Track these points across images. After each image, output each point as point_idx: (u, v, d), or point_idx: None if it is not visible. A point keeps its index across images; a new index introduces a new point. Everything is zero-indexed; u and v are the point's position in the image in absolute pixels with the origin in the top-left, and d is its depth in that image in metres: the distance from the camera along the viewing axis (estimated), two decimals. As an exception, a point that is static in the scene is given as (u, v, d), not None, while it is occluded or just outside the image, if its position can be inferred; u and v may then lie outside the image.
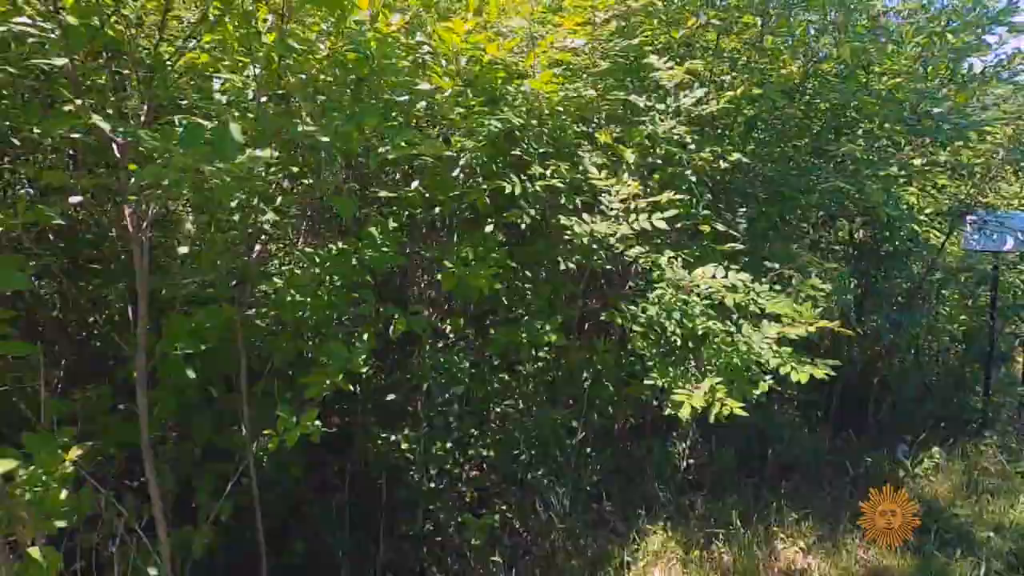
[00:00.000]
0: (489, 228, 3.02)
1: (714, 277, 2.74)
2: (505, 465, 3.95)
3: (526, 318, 3.21)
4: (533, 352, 3.35)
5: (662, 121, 2.79)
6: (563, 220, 2.61)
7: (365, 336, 2.56)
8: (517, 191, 2.67)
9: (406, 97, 2.44)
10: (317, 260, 2.58)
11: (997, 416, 5.95)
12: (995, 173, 5.14)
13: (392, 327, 2.60)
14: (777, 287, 3.36)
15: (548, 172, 2.71)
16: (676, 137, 2.89)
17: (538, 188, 2.72)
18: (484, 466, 4.07)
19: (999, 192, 5.45)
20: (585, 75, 3.16)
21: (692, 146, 3.13)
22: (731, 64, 3.14)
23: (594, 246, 2.74)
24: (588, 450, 3.88)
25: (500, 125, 2.63)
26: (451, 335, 3.39)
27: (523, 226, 2.83)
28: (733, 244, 3.14)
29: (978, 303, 6.89)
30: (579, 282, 3.48)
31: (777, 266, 3.31)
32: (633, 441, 4.66)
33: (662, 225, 2.56)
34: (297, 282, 2.52)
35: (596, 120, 3.33)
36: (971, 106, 4.60)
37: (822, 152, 3.40)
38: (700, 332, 2.68)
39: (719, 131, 3.48)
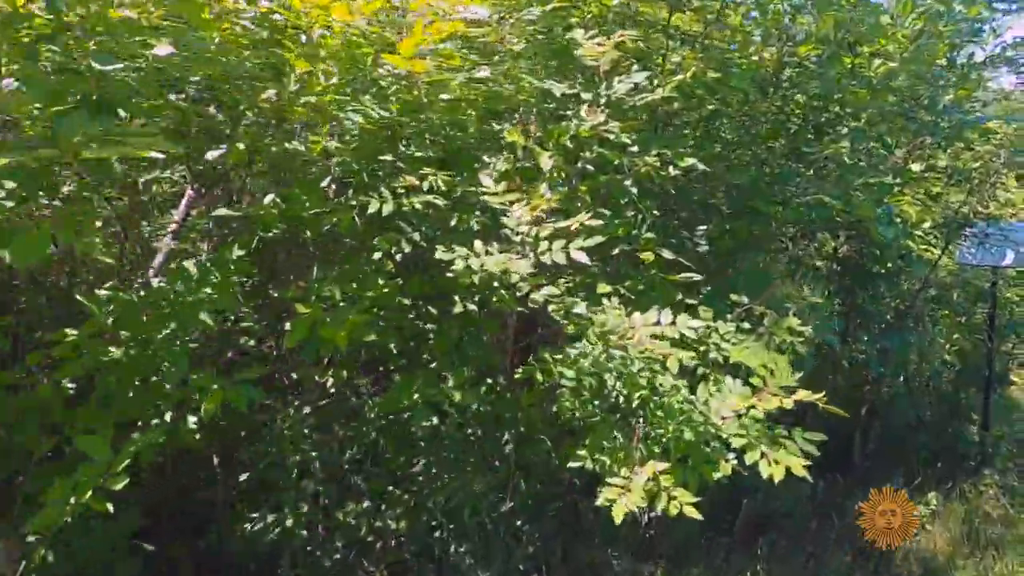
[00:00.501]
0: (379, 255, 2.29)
1: (657, 323, 2.03)
2: (419, 539, 3.21)
3: (424, 370, 2.48)
4: (449, 407, 2.62)
5: (591, 115, 2.07)
6: (440, 252, 1.88)
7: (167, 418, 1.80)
8: (387, 209, 1.94)
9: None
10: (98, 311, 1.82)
11: (997, 450, 5.32)
12: (994, 179, 4.52)
13: (203, 405, 1.85)
14: (746, 325, 2.66)
15: (426, 184, 1.98)
16: (611, 136, 2.18)
17: (417, 205, 1.99)
18: (397, 541, 3.34)
19: (998, 200, 4.83)
20: (497, 56, 2.45)
21: (635, 148, 2.43)
22: (685, 44, 2.44)
23: (496, 284, 2.02)
24: (519, 522, 3.16)
25: (361, 119, 1.90)
26: (332, 390, 2.64)
27: (399, 256, 2.10)
28: (689, 274, 2.44)
29: (973, 321, 6.29)
30: (505, 323, 2.76)
31: (746, 300, 2.61)
32: (583, 497, 3.95)
33: (581, 258, 1.84)
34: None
35: (518, 116, 2.61)
36: (970, 102, 3.97)
37: (800, 155, 2.72)
38: (636, 400, 1.97)
39: (674, 129, 2.77)
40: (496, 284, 1.98)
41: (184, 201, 2.26)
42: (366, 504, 3.14)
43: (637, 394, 1.95)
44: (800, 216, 2.39)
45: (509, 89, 2.30)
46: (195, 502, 2.69)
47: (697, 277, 2.41)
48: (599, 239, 1.90)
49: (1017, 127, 4.37)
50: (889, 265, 3.32)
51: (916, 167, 2.97)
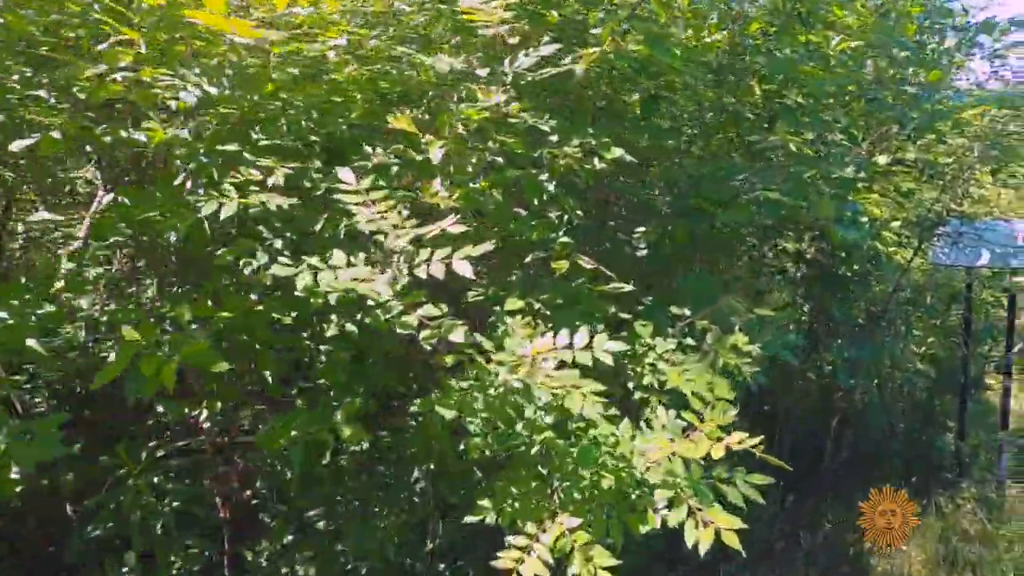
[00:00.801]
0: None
1: (569, 346, 1.66)
2: (332, 586, 2.83)
3: (310, 402, 2.09)
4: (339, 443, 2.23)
5: (484, 95, 1.70)
6: (277, 267, 1.50)
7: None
8: (227, 211, 1.55)
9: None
10: None
11: (974, 460, 5.05)
12: (968, 175, 4.23)
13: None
14: (691, 342, 2.31)
15: (272, 180, 1.59)
16: (514, 121, 1.82)
17: (272, 206, 1.61)
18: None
19: (972, 197, 4.54)
20: (392, 29, 2.07)
21: (555, 137, 2.06)
22: (608, 14, 2.07)
23: (371, 303, 1.63)
24: (441, 566, 2.79)
25: (190, 100, 1.51)
26: (207, 425, 2.24)
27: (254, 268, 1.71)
28: (618, 284, 2.08)
29: (947, 324, 6.04)
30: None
31: (688, 312, 2.26)
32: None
33: (464, 271, 1.47)
34: None
35: (426, 101, 2.23)
36: (943, 90, 3.67)
37: (752, 148, 2.38)
38: (537, 446, 1.60)
39: (606, 116, 2.41)
40: (371, 303, 1.60)
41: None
42: (268, 551, 2.75)
43: (540, 436, 1.59)
44: (746, 216, 2.06)
45: (401, 67, 1.92)
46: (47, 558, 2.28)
47: (626, 287, 2.05)
48: (488, 246, 1.52)
49: (992, 119, 4.09)
50: (856, 268, 3.00)
51: (883, 159, 2.65)
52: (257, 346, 2.07)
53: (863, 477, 4.97)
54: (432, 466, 2.31)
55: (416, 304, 1.54)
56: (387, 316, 1.50)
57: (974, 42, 3.77)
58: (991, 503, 4.77)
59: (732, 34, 2.66)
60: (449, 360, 1.58)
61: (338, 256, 1.51)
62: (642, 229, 2.35)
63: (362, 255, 1.51)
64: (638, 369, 2.24)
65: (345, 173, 1.52)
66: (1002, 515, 4.60)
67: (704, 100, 2.58)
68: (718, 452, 1.46)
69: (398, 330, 1.49)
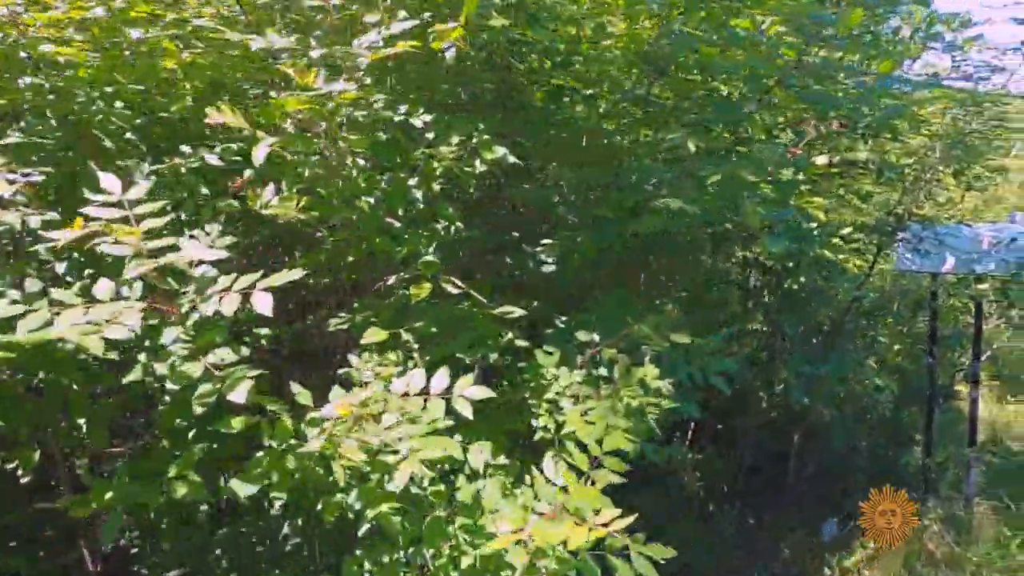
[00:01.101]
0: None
1: (423, 393, 1.33)
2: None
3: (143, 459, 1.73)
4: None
5: (301, 76, 1.36)
6: None
7: None
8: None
9: None
10: None
11: (941, 476, 4.81)
12: (930, 176, 3.98)
13: None
14: (603, 372, 2.00)
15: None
16: (367, 112, 1.48)
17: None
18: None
19: (936, 200, 4.29)
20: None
21: (430, 134, 1.73)
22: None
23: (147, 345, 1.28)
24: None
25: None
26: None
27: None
28: (507, 308, 1.75)
29: (914, 331, 5.81)
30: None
31: (597, 338, 1.94)
32: None
33: (263, 307, 1.13)
34: None
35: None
36: (898, 83, 3.40)
37: (660, 147, 2.05)
38: (367, 522, 1.27)
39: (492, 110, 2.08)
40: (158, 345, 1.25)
41: None
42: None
43: (372, 512, 1.25)
44: (658, 225, 1.74)
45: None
46: None
47: (516, 311, 1.72)
48: (295, 274, 1.18)
49: (954, 117, 3.84)
50: (803, 280, 2.71)
51: (822, 160, 2.35)
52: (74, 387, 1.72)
53: (826, 496, 4.71)
54: (301, 521, 1.95)
55: (208, 347, 1.20)
56: (169, 363, 1.15)
57: (933, 34, 3.51)
58: (959, 523, 4.51)
59: (659, 21, 2.35)
60: (236, 424, 1.24)
61: (62, 295, 1.15)
62: (547, 242, 2.03)
63: (106, 286, 1.16)
64: (540, 406, 1.92)
65: (108, 179, 1.17)
66: (970, 536, 4.34)
67: (613, 85, 2.26)
68: (577, 539, 1.13)
69: (171, 384, 1.15)
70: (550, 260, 2.07)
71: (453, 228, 1.81)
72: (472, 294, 1.62)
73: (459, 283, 1.59)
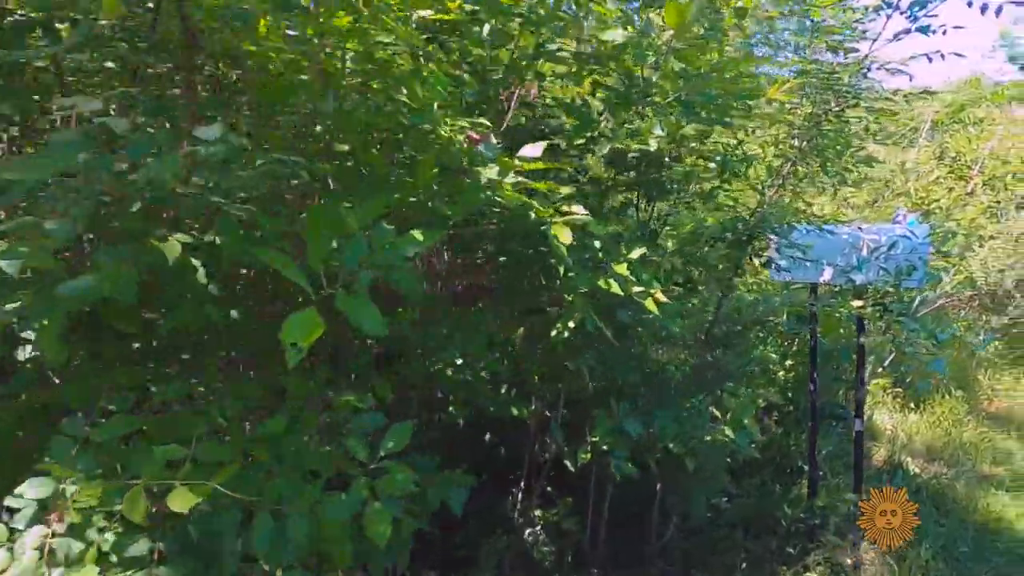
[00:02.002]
0: None
1: None
2: None
3: None
4: None
5: None
6: None
7: None
8: None
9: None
10: None
11: (825, 521, 4.13)
12: (790, 170, 3.26)
13: None
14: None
15: None
16: None
17: None
18: None
19: (804, 200, 3.59)
20: None
21: None
22: None
23: None
24: None
25: None
26: None
27: None
28: None
29: (803, 350, 5.18)
30: None
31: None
32: None
33: None
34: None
35: None
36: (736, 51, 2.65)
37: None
38: None
39: None
40: None
41: None
42: None
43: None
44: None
45: None
46: None
47: None
48: None
49: (810, 96, 3.12)
50: (572, 325, 1.88)
51: (529, 151, 1.52)
52: None
53: (693, 557, 3.98)
54: None
55: None
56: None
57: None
58: (844, 573, 3.86)
59: None
60: None
61: None
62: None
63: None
64: None
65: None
66: (857, 594, 3.68)
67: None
68: None
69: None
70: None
71: None
72: None
73: None
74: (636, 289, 2.01)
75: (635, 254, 2.01)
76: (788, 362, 5.33)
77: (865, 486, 5.06)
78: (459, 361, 2.25)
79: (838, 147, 3.07)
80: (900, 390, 7.06)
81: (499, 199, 1.55)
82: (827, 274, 3.99)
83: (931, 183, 8.42)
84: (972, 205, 7.88)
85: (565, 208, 1.82)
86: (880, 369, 6.05)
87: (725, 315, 3.50)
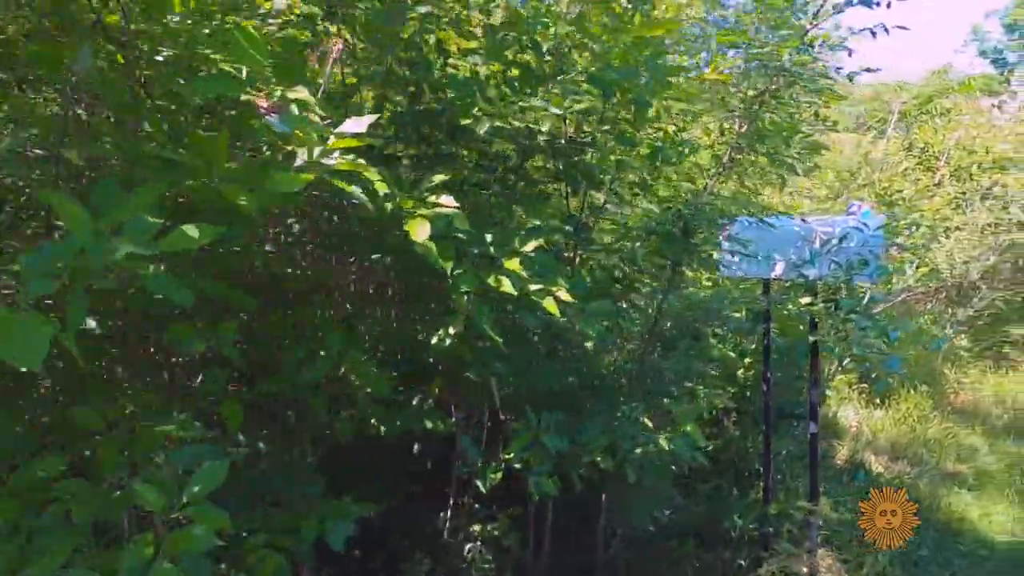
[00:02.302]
0: None
1: None
2: None
3: None
4: None
5: None
6: None
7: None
8: None
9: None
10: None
11: (778, 528, 3.93)
12: (731, 156, 3.02)
13: None
14: None
15: None
16: None
17: None
18: None
19: (747, 188, 3.36)
20: None
21: None
22: None
23: None
24: None
25: None
26: None
27: None
28: None
29: (755, 349, 4.98)
30: None
31: None
32: None
33: None
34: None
35: None
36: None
37: None
38: None
39: None
40: None
41: None
42: None
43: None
44: None
45: None
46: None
47: None
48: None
49: (760, 78, 2.88)
50: (453, 331, 1.63)
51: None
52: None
53: (639, 570, 3.76)
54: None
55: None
56: None
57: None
58: (800, 584, 3.66)
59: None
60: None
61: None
62: None
63: None
64: None
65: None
66: (810, 608, 3.48)
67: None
68: None
69: None
70: None
71: None
72: None
73: None
74: (533, 287, 1.76)
75: (529, 247, 1.75)
76: (747, 360, 5.13)
77: (826, 487, 4.91)
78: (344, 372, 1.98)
79: (783, 133, 2.84)
80: (866, 386, 6.92)
81: (344, 186, 1.29)
82: (779, 269, 3.78)
83: (898, 174, 8.30)
84: (939, 196, 7.77)
85: (434, 199, 1.56)
86: (840, 366, 5.87)
87: (671, 314, 3.27)
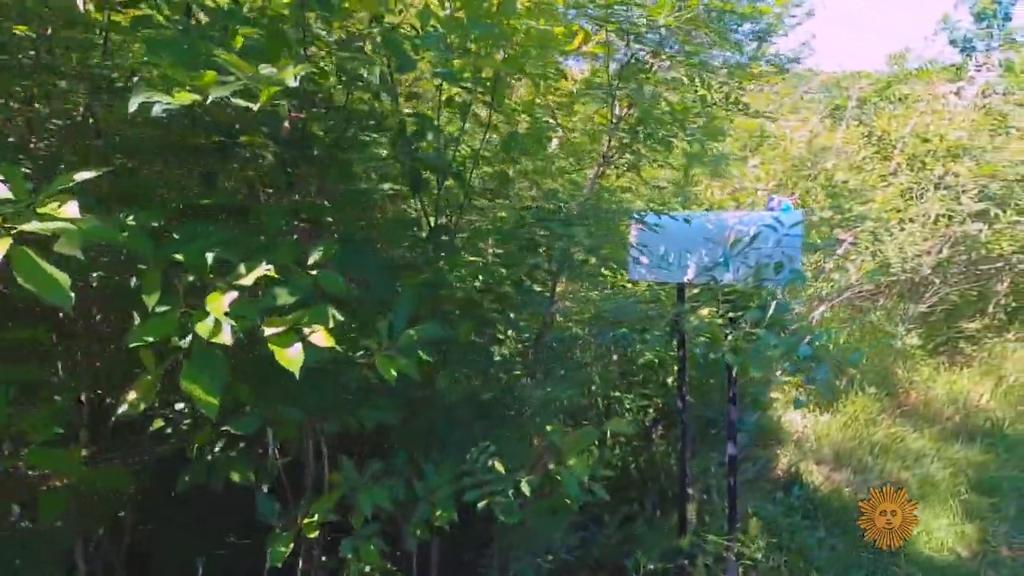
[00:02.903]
0: None
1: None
2: None
3: None
4: None
5: None
6: None
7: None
8: None
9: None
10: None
11: (696, 559, 3.52)
12: (614, 147, 2.57)
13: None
14: None
15: None
16: None
17: None
18: None
19: (643, 180, 2.92)
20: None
21: None
22: None
23: None
24: None
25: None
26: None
27: None
28: None
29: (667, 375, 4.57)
30: None
31: None
32: None
33: None
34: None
35: None
36: None
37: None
38: None
39: None
40: None
41: None
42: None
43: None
44: None
45: None
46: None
47: None
48: None
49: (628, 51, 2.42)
50: (143, 406, 1.16)
51: None
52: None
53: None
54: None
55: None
56: None
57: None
58: (716, 626, 3.27)
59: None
60: None
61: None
62: None
63: None
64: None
65: None
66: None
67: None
68: None
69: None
70: None
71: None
72: None
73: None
74: (269, 331, 1.29)
75: (248, 279, 1.27)
76: (676, 367, 4.72)
77: (756, 507, 4.53)
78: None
79: (666, 117, 2.39)
80: (813, 388, 6.58)
81: None
82: (691, 273, 3.36)
83: (855, 163, 7.94)
84: (893, 186, 7.42)
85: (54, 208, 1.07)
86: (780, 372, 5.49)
87: (553, 336, 2.82)
